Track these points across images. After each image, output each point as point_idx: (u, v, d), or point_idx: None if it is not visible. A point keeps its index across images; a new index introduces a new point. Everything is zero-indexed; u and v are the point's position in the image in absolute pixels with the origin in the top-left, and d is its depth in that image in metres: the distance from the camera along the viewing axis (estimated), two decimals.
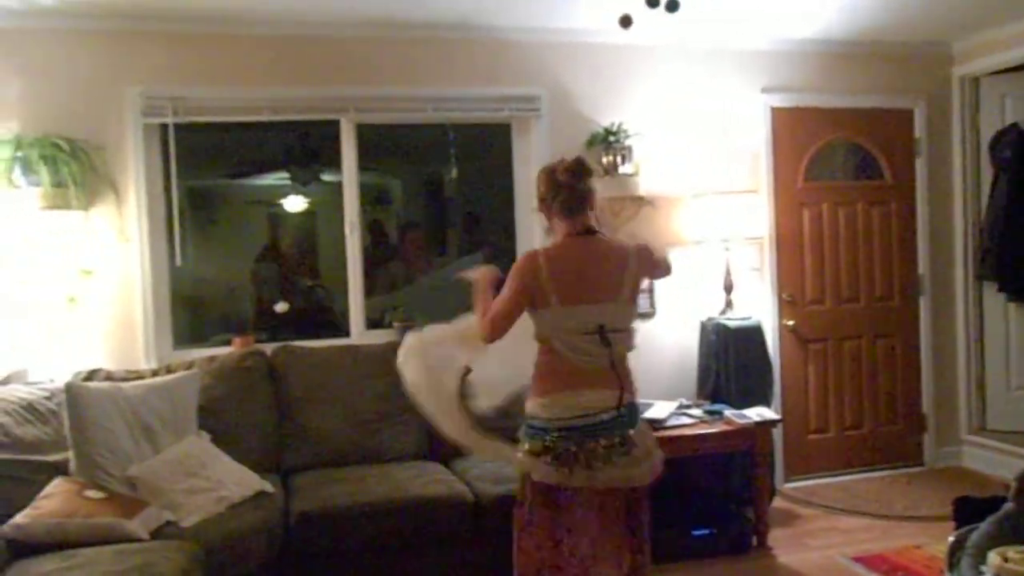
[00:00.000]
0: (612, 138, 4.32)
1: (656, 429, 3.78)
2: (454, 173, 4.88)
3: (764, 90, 4.71)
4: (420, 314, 4.34)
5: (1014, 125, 4.93)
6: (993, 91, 5.04)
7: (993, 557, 3.21)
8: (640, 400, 4.06)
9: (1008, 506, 3.45)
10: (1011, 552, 3.21)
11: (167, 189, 3.92)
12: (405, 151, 5.83)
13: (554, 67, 4.34)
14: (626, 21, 3.17)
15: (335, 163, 4.25)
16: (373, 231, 5.73)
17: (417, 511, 3.18)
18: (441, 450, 3.73)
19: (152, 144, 3.92)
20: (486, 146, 4.83)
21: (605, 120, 4.36)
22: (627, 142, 4.34)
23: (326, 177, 6.01)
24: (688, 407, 4.08)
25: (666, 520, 3.46)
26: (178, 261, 3.93)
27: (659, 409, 3.96)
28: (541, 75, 4.32)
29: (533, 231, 4.40)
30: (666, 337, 4.48)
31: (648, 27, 4.27)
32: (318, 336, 4.28)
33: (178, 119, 3.86)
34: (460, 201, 6.10)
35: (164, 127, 3.90)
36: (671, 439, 3.69)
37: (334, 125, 4.14)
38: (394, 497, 3.19)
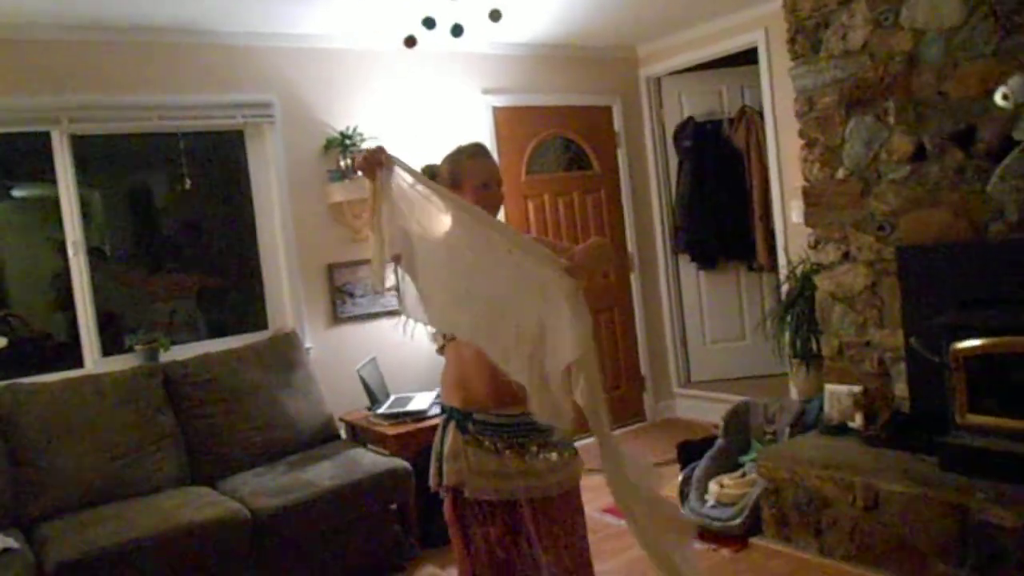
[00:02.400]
0: (348, 141, 4.37)
1: (419, 420, 3.97)
2: (181, 184, 4.60)
3: (485, 91, 5.04)
4: (162, 335, 4.11)
5: (691, 118, 5.75)
6: (673, 89, 5.83)
7: (713, 486, 3.83)
8: (400, 394, 4.24)
9: (720, 443, 4.12)
10: (726, 479, 3.85)
11: None
12: (106, 159, 5.37)
13: (286, 72, 4.29)
14: (411, 41, 3.40)
15: (30, 176, 3.82)
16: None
17: (192, 539, 3.04)
18: (206, 471, 3.61)
19: None
20: (203, 153, 4.62)
21: (340, 124, 4.40)
22: (363, 145, 4.42)
23: (17, 192, 5.37)
24: None
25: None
26: None
27: (420, 400, 4.12)
28: (273, 81, 4.26)
29: (276, 237, 4.34)
30: (419, 328, 4.65)
31: (376, 32, 4.41)
32: (42, 371, 3.86)
33: None
34: (175, 212, 5.73)
35: None
36: (434, 428, 3.86)
37: (27, 135, 3.75)
38: (164, 528, 3.02)
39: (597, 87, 5.56)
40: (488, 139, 5.03)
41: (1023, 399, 2.89)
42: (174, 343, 4.07)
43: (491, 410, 2.21)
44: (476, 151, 2.30)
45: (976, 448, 2.90)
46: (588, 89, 5.52)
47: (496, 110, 5.10)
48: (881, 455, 3.24)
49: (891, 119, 3.35)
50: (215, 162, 4.52)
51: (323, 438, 3.94)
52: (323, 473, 3.51)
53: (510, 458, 2.20)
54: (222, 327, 4.47)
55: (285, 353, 4.04)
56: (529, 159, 5.27)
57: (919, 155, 3.29)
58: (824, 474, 3.24)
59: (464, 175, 2.24)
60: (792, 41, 3.66)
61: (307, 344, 4.24)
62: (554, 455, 2.26)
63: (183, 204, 4.92)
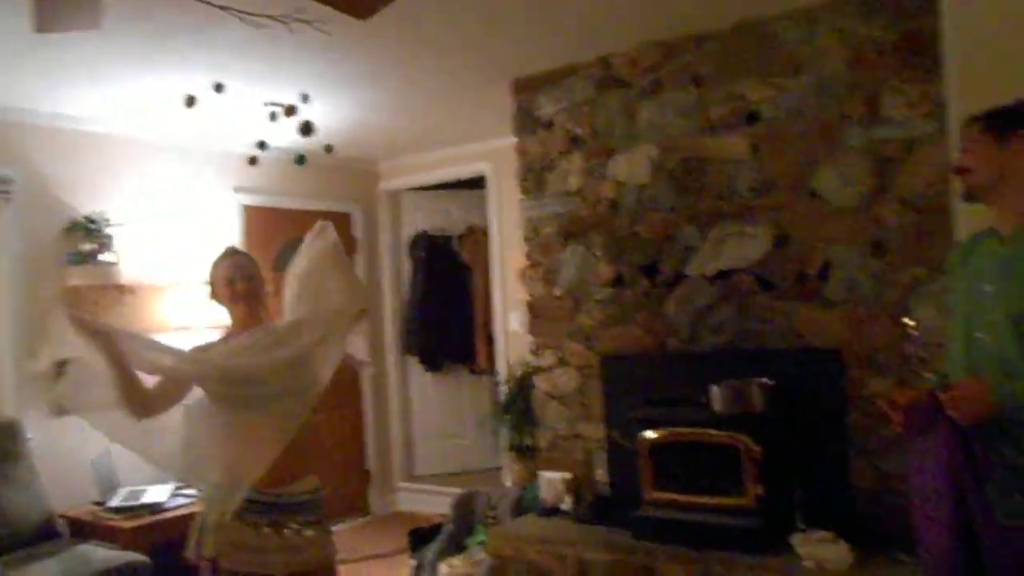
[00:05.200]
0: (93, 226, 4.30)
1: (156, 512, 3.89)
2: None
3: (236, 189, 5.22)
4: None
5: (425, 231, 6.34)
6: (409, 203, 6.41)
7: (443, 567, 4.19)
8: (133, 487, 4.12)
9: (449, 528, 4.51)
10: (455, 561, 4.24)
11: None
12: None
13: (31, 149, 4.16)
14: (253, 161, 4.20)
15: None
16: None
17: None
18: None
19: None
20: None
21: (86, 208, 4.32)
22: (108, 231, 4.37)
23: None
24: (182, 487, 4.21)
25: None
26: None
27: (156, 493, 4.03)
28: (15, 156, 4.10)
29: (3, 319, 4.08)
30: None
31: (129, 121, 4.46)
32: None
33: None
34: None
35: None
36: (173, 521, 3.84)
37: None
38: None
39: (340, 194, 5.97)
40: (238, 235, 5.17)
41: (691, 478, 3.65)
42: None
43: (260, 488, 2.40)
44: (224, 253, 2.63)
45: (659, 519, 3.58)
46: (331, 196, 5.91)
47: (247, 208, 5.28)
48: (588, 530, 3.83)
49: (597, 250, 4.13)
50: None
51: (45, 535, 3.69)
52: (49, 572, 3.32)
53: (269, 534, 2.40)
54: None
55: (3, 444, 3.78)
56: (276, 258, 5.46)
57: (618, 281, 4.08)
58: (542, 548, 3.75)
59: (214, 277, 2.58)
60: (523, 179, 4.37)
61: (29, 435, 3.98)
62: (310, 532, 2.48)
63: None
